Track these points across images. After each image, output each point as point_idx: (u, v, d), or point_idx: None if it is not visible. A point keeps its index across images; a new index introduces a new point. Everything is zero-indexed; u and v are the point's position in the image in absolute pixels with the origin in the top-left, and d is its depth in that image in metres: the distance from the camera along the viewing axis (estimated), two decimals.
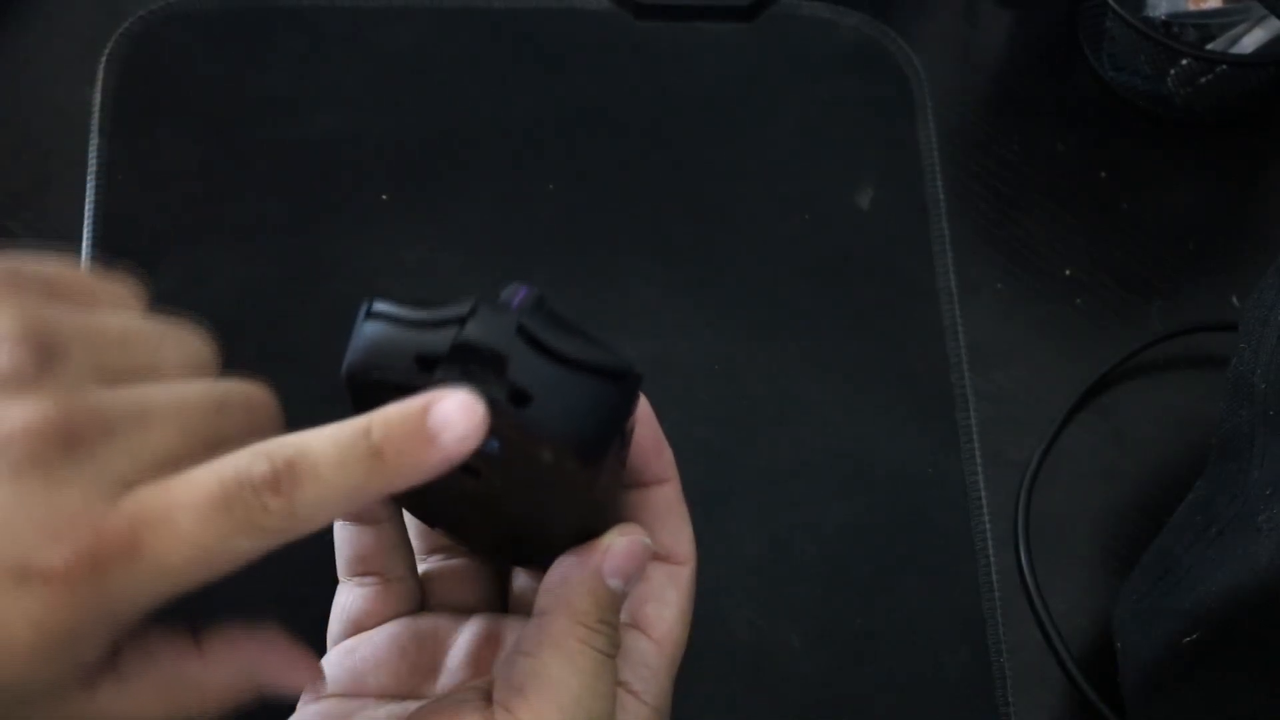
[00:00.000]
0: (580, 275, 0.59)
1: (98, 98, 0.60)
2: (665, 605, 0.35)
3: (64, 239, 0.58)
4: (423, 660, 0.35)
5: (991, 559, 0.55)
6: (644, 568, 0.33)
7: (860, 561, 0.55)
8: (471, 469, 0.31)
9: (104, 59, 0.61)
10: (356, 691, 0.34)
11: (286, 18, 0.64)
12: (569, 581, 0.32)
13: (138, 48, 0.62)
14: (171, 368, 0.29)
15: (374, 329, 0.30)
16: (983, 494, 0.56)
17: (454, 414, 0.27)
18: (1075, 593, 0.56)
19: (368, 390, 0.30)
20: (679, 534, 0.35)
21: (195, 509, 0.25)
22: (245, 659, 0.29)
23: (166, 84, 0.62)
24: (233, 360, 0.56)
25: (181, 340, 0.30)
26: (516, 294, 0.30)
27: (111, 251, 0.57)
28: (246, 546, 0.26)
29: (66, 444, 0.25)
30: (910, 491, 0.56)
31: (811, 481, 0.56)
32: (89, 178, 0.59)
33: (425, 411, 0.27)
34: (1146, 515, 0.57)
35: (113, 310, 0.29)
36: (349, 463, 0.27)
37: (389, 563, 0.36)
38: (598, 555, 0.32)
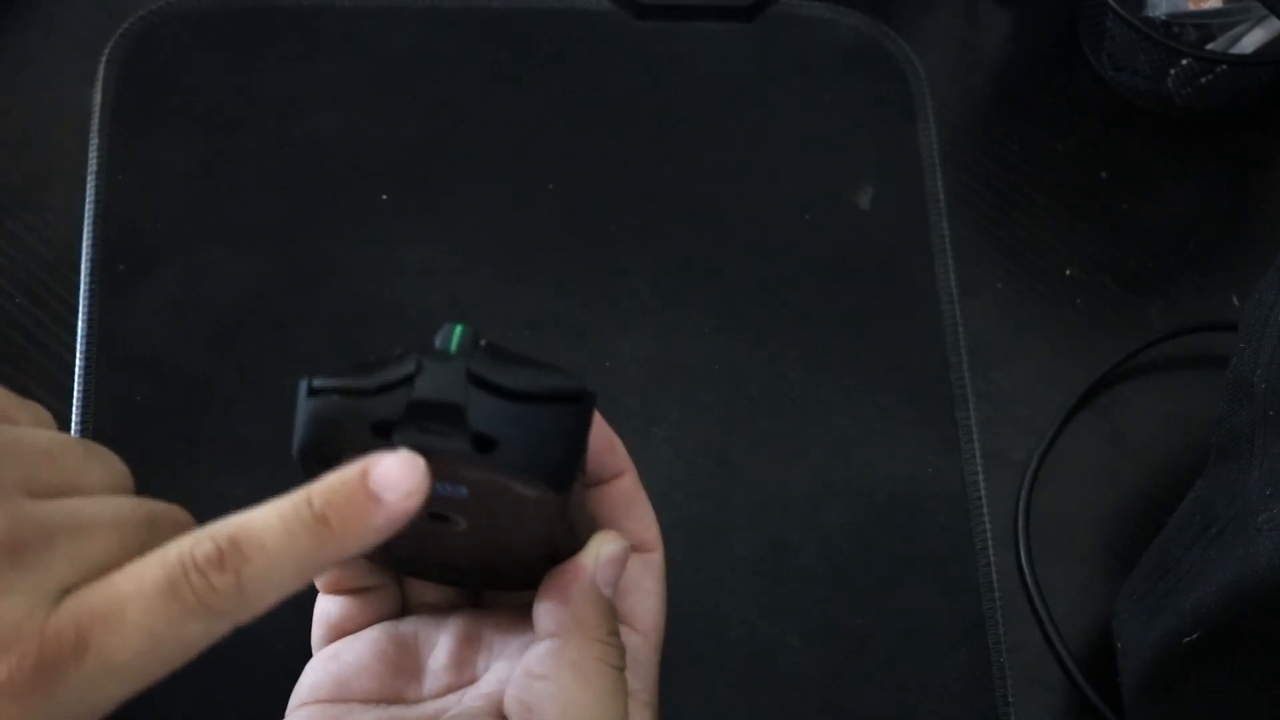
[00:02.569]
0: (580, 275, 0.59)
1: (98, 98, 0.60)
2: (646, 595, 0.35)
3: (64, 239, 0.58)
4: (405, 664, 0.35)
5: (991, 559, 0.55)
6: (624, 570, 0.33)
7: (860, 561, 0.55)
8: (439, 515, 0.31)
9: (104, 59, 0.61)
10: (341, 697, 0.34)
11: (286, 18, 0.64)
12: (573, 599, 0.32)
13: (138, 48, 0.62)
14: (96, 485, 0.28)
15: (320, 404, 0.29)
16: (983, 494, 0.56)
17: (395, 473, 0.27)
18: (1075, 593, 0.56)
19: (323, 465, 0.29)
20: (645, 521, 0.36)
21: (142, 598, 0.25)
22: None
23: (166, 84, 0.62)
24: (234, 359, 0.56)
25: (104, 458, 0.29)
26: (450, 337, 0.29)
27: (112, 251, 0.57)
28: (198, 631, 0.25)
29: (9, 554, 0.25)
30: (910, 491, 0.56)
31: (811, 481, 0.56)
32: (89, 178, 0.59)
33: (365, 475, 0.27)
34: (1146, 515, 0.57)
35: (33, 427, 0.29)
36: (294, 534, 0.26)
37: (366, 579, 0.36)
38: (590, 567, 0.32)
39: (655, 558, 0.35)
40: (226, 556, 0.26)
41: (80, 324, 0.56)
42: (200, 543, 0.26)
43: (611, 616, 0.32)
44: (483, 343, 0.29)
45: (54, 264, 0.58)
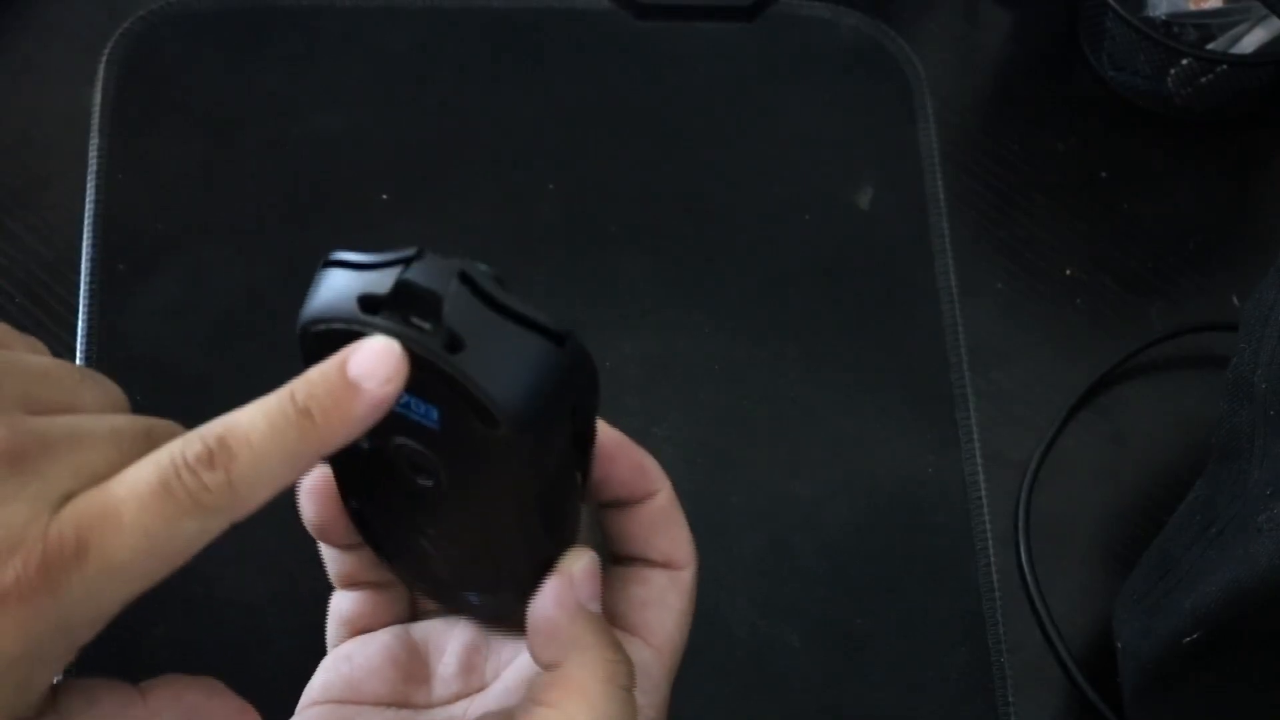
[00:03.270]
0: (580, 275, 0.59)
1: (98, 98, 0.60)
2: (666, 611, 0.34)
3: (64, 239, 0.58)
4: (415, 669, 0.35)
5: (991, 559, 0.55)
6: (600, 581, 0.33)
7: (860, 561, 0.55)
8: (418, 465, 0.31)
9: (104, 59, 0.61)
10: (352, 698, 0.35)
11: (286, 18, 0.64)
12: (563, 627, 0.31)
13: (138, 48, 0.62)
14: (93, 404, 0.29)
15: (328, 278, 0.30)
16: (983, 494, 0.56)
17: (371, 359, 0.27)
18: (1075, 593, 0.56)
19: (319, 343, 0.29)
20: (677, 539, 0.35)
21: (137, 500, 0.26)
22: (187, 707, 0.29)
23: (166, 84, 0.62)
24: (234, 359, 0.56)
25: (100, 381, 0.30)
26: (477, 265, 0.29)
27: (111, 251, 0.57)
28: (193, 529, 0.26)
29: (10, 463, 0.25)
30: (910, 491, 0.56)
31: (811, 481, 0.56)
32: (89, 178, 0.59)
33: (344, 364, 0.28)
34: (1146, 515, 0.57)
35: (28, 351, 0.30)
36: (279, 429, 0.27)
37: (376, 574, 0.36)
38: (568, 589, 0.32)
39: (684, 575, 0.35)
40: (216, 455, 0.26)
41: (80, 324, 0.56)
42: (190, 443, 0.26)
43: (609, 630, 0.32)
44: (504, 281, 0.29)
45: (54, 264, 0.58)
